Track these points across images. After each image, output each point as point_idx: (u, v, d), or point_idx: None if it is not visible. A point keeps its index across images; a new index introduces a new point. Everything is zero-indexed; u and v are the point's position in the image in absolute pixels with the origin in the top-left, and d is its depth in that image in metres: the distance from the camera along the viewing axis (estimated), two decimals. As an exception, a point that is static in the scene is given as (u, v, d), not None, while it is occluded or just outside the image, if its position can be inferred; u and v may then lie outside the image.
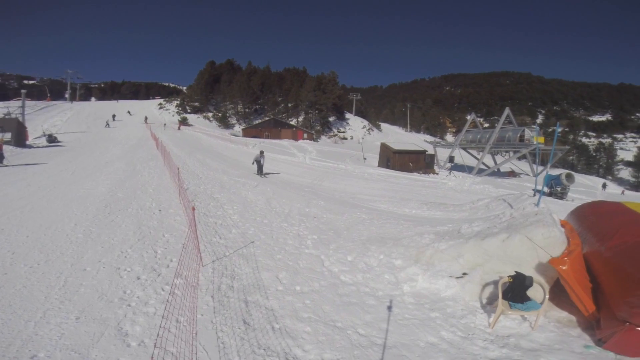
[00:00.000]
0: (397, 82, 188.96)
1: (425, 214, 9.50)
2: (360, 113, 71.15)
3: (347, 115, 66.63)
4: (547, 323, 4.59)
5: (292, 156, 26.95)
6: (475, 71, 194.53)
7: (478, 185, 19.06)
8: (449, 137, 73.31)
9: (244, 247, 5.63)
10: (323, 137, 54.92)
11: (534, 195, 6.70)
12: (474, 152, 31.86)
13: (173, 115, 57.21)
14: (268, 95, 68.17)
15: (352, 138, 54.84)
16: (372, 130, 64.21)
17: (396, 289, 4.52)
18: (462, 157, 28.80)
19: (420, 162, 25.16)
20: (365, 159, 28.40)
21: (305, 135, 49.92)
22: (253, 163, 15.14)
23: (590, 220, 6.60)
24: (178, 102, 65.88)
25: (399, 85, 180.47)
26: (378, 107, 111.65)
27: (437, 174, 24.29)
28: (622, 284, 4.63)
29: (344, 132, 60.03)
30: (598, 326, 4.52)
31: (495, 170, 26.53)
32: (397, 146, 26.97)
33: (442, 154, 32.82)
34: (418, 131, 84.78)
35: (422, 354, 3.34)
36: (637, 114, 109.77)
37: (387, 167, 25.61)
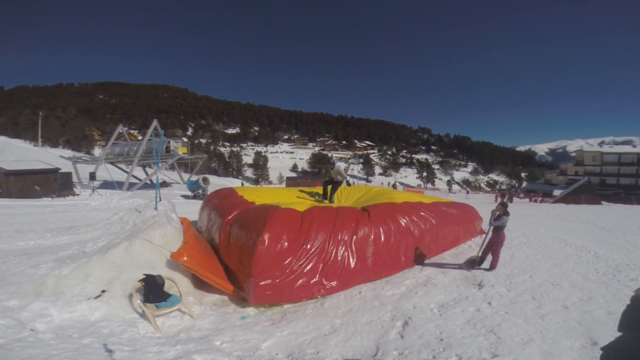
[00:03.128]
0: (31, 84, 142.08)
1: (48, 243, 8.15)
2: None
3: None
4: (205, 309, 4.99)
5: None
6: (136, 81, 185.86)
7: (127, 200, 18.23)
8: (98, 151, 65.37)
9: None
10: None
11: (157, 202, 7.20)
12: (124, 166, 30.36)
13: None
14: None
15: None
16: (-31, 146, 43.80)
17: (23, 331, 3.76)
18: (110, 172, 26.50)
19: (51, 183, 20.24)
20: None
21: None
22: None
23: (215, 203, 8.12)
24: None
25: (31, 88, 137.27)
26: (-10, 114, 78.65)
27: (78, 194, 20.73)
28: (240, 248, 5.63)
29: None
30: (243, 290, 5.20)
31: (148, 182, 26.68)
32: (12, 165, 20.04)
33: (87, 170, 28.48)
34: (55, 145, 68.50)
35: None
36: (254, 127, 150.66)
37: (-2, 195, 18.41)
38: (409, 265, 6.71)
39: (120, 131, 29.81)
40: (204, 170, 52.91)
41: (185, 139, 36.58)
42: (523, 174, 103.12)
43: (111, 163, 28.30)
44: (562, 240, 8.88)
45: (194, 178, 25.51)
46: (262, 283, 5.00)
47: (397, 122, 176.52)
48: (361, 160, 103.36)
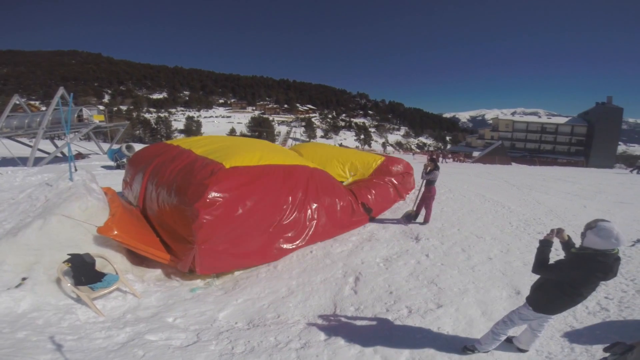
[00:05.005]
0: None
1: None
2: None
3: None
4: (149, 286, 4.57)
5: None
6: (34, 48, 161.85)
7: (34, 177, 15.70)
8: None
9: None
10: None
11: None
12: (26, 140, 25.95)
13: None
14: None
15: None
16: None
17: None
18: (9, 147, 22.52)
19: None
20: None
21: None
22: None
23: (148, 160, 7.17)
24: None
25: None
26: None
27: (-34, 172, 17.27)
28: (179, 212, 5.11)
29: None
30: (182, 260, 4.76)
31: (59, 155, 23.29)
32: None
33: None
34: None
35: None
36: (185, 92, 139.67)
37: None
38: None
39: (17, 102, 25.04)
40: (127, 138, 47.61)
41: (101, 107, 32.04)
42: (448, 138, 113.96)
43: (8, 137, 23.93)
44: (482, 196, 10.01)
45: (116, 146, 22.88)
46: (208, 249, 4.67)
47: (338, 87, 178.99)
48: (303, 124, 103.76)
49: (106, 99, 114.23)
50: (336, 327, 3.60)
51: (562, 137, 61.21)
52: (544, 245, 2.64)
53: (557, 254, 2.69)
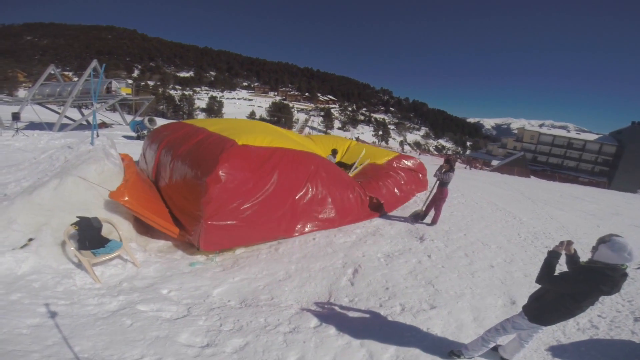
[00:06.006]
0: None
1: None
2: None
3: None
4: (149, 256, 4.61)
5: None
6: (75, 22, 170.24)
7: (57, 141, 16.36)
8: (23, 94, 57.69)
9: None
10: None
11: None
12: (55, 107, 27.04)
13: None
14: None
15: None
16: None
17: None
18: (39, 113, 23.48)
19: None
20: None
21: None
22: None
23: (164, 135, 7.30)
24: None
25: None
26: None
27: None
28: (189, 186, 5.15)
29: None
30: (190, 235, 4.84)
31: (84, 123, 24.20)
32: None
33: (10, 111, 24.95)
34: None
35: (33, 340, 2.74)
36: (211, 72, 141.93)
37: None
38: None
39: (52, 72, 26.05)
40: (151, 112, 48.65)
41: (130, 81, 32.73)
42: (469, 143, 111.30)
43: (39, 104, 25.03)
44: (494, 205, 9.78)
45: (139, 119, 23.57)
46: (215, 225, 4.65)
47: (361, 81, 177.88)
48: (322, 114, 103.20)
49: (135, 73, 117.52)
50: (328, 316, 3.62)
51: (588, 155, 58.53)
52: (552, 257, 2.60)
53: (559, 268, 2.62)
